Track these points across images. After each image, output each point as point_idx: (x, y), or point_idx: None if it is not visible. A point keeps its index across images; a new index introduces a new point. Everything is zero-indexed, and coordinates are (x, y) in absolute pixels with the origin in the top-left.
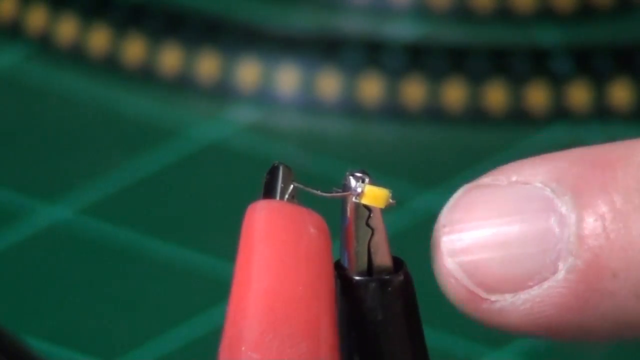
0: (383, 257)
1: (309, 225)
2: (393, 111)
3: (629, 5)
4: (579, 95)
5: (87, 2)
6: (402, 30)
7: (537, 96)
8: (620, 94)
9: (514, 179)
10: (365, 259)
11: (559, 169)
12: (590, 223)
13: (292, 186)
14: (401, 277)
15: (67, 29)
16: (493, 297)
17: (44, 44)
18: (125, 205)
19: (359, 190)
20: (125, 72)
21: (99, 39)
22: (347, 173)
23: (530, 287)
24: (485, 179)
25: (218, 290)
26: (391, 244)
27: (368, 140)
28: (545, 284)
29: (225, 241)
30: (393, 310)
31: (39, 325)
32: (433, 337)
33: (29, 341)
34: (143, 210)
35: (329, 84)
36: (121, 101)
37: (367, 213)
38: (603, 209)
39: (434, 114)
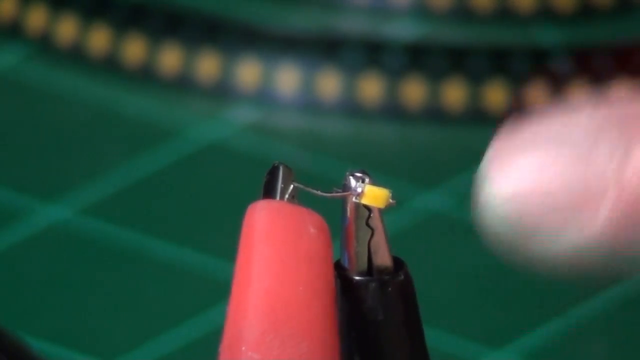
0: (383, 257)
1: (309, 225)
2: (393, 111)
3: (629, 5)
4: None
5: (87, 2)
6: (402, 30)
7: (537, 96)
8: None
9: (560, 117)
10: (365, 259)
11: (606, 110)
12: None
13: (292, 186)
14: (401, 277)
15: (67, 29)
16: (542, 232)
17: (44, 44)
18: (125, 205)
19: (359, 190)
20: (125, 72)
21: (99, 39)
22: (347, 173)
23: (578, 220)
24: (528, 123)
25: (218, 290)
26: (391, 244)
27: (368, 140)
28: (592, 216)
29: (225, 241)
30: (393, 311)
31: (39, 325)
32: (433, 337)
33: (29, 341)
34: (143, 210)
35: (329, 84)
36: (121, 101)
37: (367, 213)
38: None
39: (434, 114)
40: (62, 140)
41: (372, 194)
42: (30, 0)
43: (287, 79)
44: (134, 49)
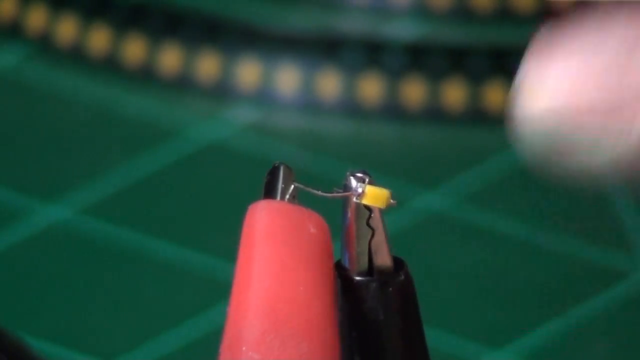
0: (384, 257)
1: (310, 226)
2: (393, 111)
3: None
4: None
5: (87, 2)
6: (402, 30)
7: None
8: None
9: (596, 26)
10: (365, 259)
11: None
12: None
13: (292, 186)
14: (402, 277)
15: (67, 29)
16: (580, 143)
17: (44, 44)
18: (125, 205)
19: (360, 190)
20: (125, 72)
21: (99, 39)
22: (348, 173)
23: (614, 130)
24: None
25: (218, 290)
26: (391, 244)
27: (368, 140)
28: (629, 125)
29: (225, 241)
30: (394, 310)
31: (39, 325)
32: (433, 337)
33: (29, 341)
34: (143, 210)
35: (329, 84)
36: (121, 101)
37: (367, 213)
38: None
39: (434, 114)
40: (62, 140)
41: (372, 194)
42: (30, 0)
43: (287, 79)
44: (134, 49)
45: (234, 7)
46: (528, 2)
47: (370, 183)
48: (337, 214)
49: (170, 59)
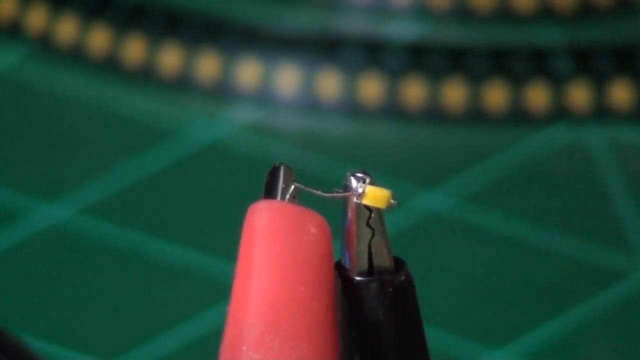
0: (384, 257)
1: (310, 226)
2: (393, 111)
3: (629, 5)
4: (579, 95)
5: (87, 2)
6: (402, 30)
7: (537, 96)
8: (620, 94)
9: None
10: (366, 259)
11: None
12: None
13: (293, 186)
14: (402, 277)
15: (67, 29)
16: None
17: (44, 44)
18: (125, 205)
19: (360, 190)
20: (125, 72)
21: (99, 39)
22: (348, 173)
23: None
24: None
25: (218, 290)
26: (392, 244)
27: (368, 140)
28: None
29: (225, 241)
30: (394, 311)
31: (39, 325)
32: (433, 337)
33: (29, 341)
34: (143, 210)
35: (329, 84)
36: (121, 101)
37: (368, 213)
38: None
39: (434, 114)
40: (62, 140)
41: (373, 195)
42: (30, 0)
43: (287, 79)
44: (134, 49)
45: (234, 7)
46: (528, 2)
47: (370, 183)
48: (337, 214)
49: (170, 59)
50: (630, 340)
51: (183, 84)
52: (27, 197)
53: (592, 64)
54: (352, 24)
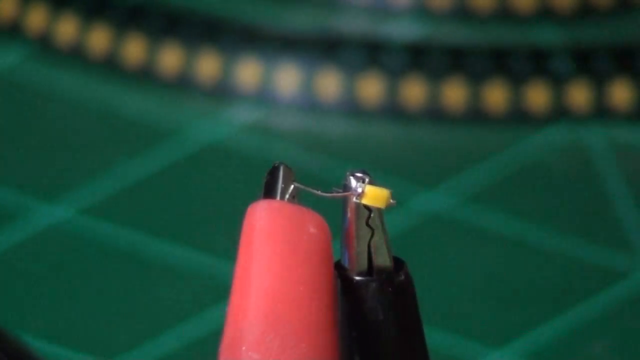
0: (383, 257)
1: (310, 225)
2: (393, 111)
3: (629, 5)
4: (579, 95)
5: (87, 2)
6: (402, 30)
7: (537, 96)
8: (620, 94)
9: None
10: (365, 259)
11: None
12: None
13: (292, 186)
14: (402, 277)
15: (67, 29)
16: None
17: (44, 44)
18: (125, 205)
19: (360, 190)
20: (125, 72)
21: (99, 39)
22: (348, 173)
23: None
24: None
25: (218, 290)
26: (391, 244)
27: (368, 140)
28: None
29: (225, 241)
30: (393, 311)
31: (39, 325)
32: (433, 337)
33: (29, 341)
34: (143, 210)
35: (329, 84)
36: (121, 101)
37: (367, 213)
38: None
39: (434, 114)
40: (62, 140)
41: (372, 194)
42: (30, 0)
43: (287, 79)
44: (134, 49)
45: (234, 7)
46: (528, 2)
47: (370, 183)
48: (337, 214)
49: (170, 59)
50: (630, 340)
51: (183, 84)
52: (27, 197)
53: (592, 64)
54: (352, 24)
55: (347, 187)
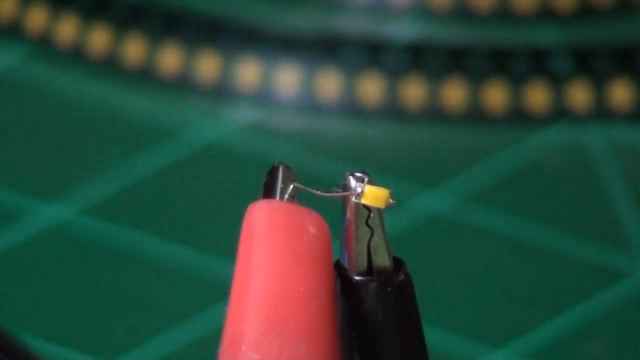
0: (383, 257)
1: (309, 225)
2: (393, 111)
3: (629, 5)
4: (579, 95)
5: (87, 2)
6: (402, 30)
7: (537, 96)
8: (620, 94)
9: None
10: (365, 259)
11: None
12: None
13: (292, 186)
14: (401, 277)
15: (67, 29)
16: None
17: (44, 44)
18: (125, 205)
19: (359, 190)
20: (125, 72)
21: (99, 39)
22: (347, 173)
23: None
24: None
25: (218, 290)
26: (391, 244)
27: (368, 140)
28: None
29: (225, 241)
30: (393, 310)
31: (39, 325)
32: (433, 337)
33: (29, 341)
34: (143, 210)
35: (329, 84)
36: (121, 101)
37: (367, 213)
38: None
39: (434, 114)
40: (62, 140)
41: (372, 194)
42: (30, 0)
43: (287, 79)
44: (134, 49)
45: (234, 7)
46: (528, 2)
47: (369, 183)
48: (337, 214)
49: (170, 59)
50: (630, 340)
51: (183, 84)
52: (27, 197)
53: (592, 64)
54: (352, 24)
55: (346, 187)
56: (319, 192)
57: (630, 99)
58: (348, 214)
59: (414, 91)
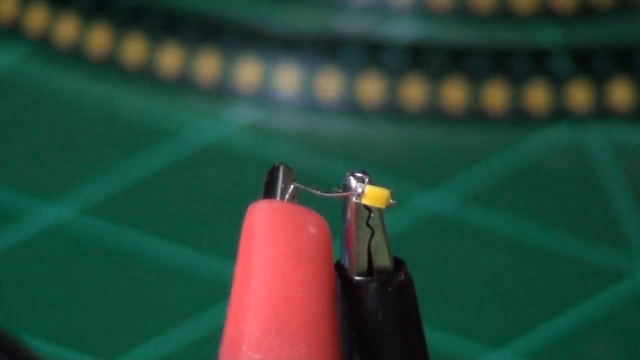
0: (383, 257)
1: (310, 225)
2: (393, 111)
3: (629, 5)
4: (579, 95)
5: (87, 2)
6: (402, 30)
7: (537, 96)
8: (620, 94)
9: None
10: (365, 259)
11: None
12: None
13: (292, 186)
14: (401, 277)
15: (67, 29)
16: None
17: (44, 44)
18: (125, 205)
19: (360, 190)
20: (125, 72)
21: (99, 39)
22: (348, 173)
23: None
24: None
25: (218, 290)
26: (391, 244)
27: (368, 140)
28: None
29: (225, 241)
30: (393, 311)
31: (39, 325)
32: (433, 337)
33: (29, 341)
34: (143, 210)
35: (329, 84)
36: (121, 101)
37: (367, 213)
38: None
39: (434, 114)
40: (62, 140)
41: (372, 194)
42: (30, 0)
43: (287, 79)
44: (134, 49)
45: (234, 7)
46: (528, 2)
47: (370, 183)
48: (337, 214)
49: (170, 59)
50: (630, 340)
51: (183, 84)
52: (27, 197)
53: (592, 64)
54: (352, 24)
55: (347, 187)
56: (319, 192)
57: (630, 99)
58: (348, 214)
59: (414, 91)
